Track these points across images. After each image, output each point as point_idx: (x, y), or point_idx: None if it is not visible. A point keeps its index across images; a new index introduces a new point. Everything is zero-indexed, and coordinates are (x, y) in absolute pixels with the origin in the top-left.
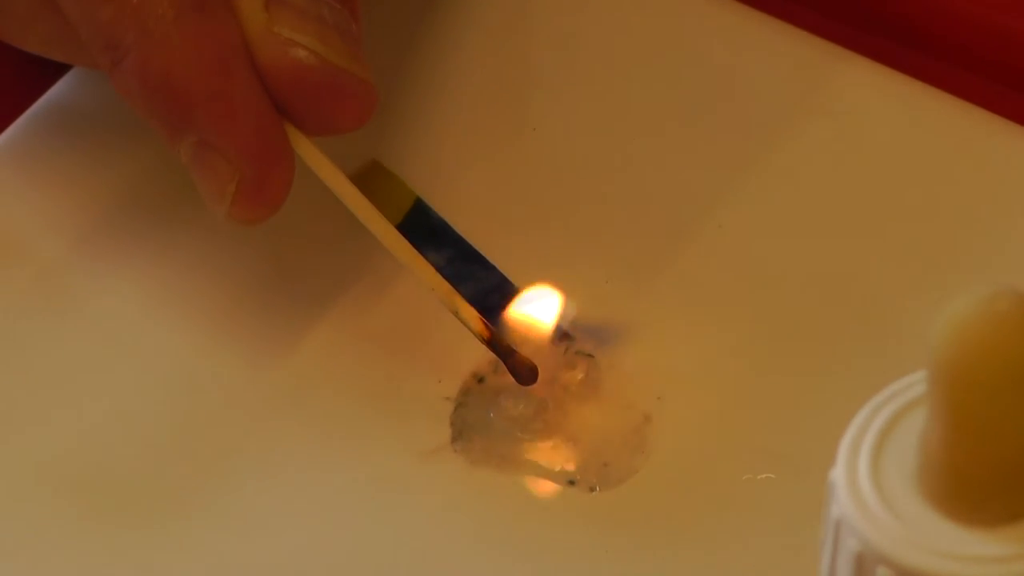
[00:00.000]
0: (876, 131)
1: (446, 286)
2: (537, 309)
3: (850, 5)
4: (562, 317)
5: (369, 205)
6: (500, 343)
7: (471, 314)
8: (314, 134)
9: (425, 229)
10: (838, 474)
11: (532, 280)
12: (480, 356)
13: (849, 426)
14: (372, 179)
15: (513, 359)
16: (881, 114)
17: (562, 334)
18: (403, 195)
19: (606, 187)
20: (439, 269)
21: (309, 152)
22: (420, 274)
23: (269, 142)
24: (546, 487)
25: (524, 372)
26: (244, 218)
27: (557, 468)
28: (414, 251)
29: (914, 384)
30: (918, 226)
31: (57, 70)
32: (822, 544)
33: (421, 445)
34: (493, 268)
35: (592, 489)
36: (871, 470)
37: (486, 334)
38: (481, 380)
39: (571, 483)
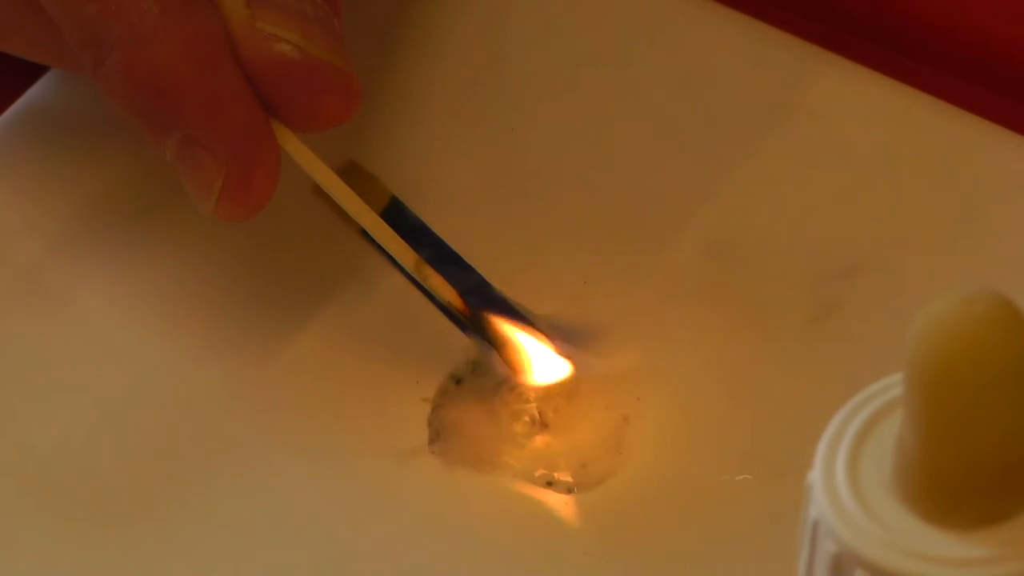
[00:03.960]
0: (856, 132)
1: (447, 288)
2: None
3: (830, 7)
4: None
5: (359, 200)
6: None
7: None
8: (300, 129)
9: (403, 229)
10: (815, 476)
11: (510, 281)
12: (458, 357)
13: (827, 428)
14: (350, 179)
15: (506, 350)
16: (861, 115)
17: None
18: (379, 194)
19: (584, 188)
20: None
21: (295, 147)
22: (403, 260)
23: (255, 137)
24: (524, 488)
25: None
26: (231, 214)
27: (535, 469)
28: (408, 247)
29: (892, 386)
30: (897, 227)
31: (35, 73)
32: (799, 546)
33: (399, 446)
34: (471, 269)
35: (570, 490)
36: (848, 472)
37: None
38: (459, 381)
39: (549, 484)
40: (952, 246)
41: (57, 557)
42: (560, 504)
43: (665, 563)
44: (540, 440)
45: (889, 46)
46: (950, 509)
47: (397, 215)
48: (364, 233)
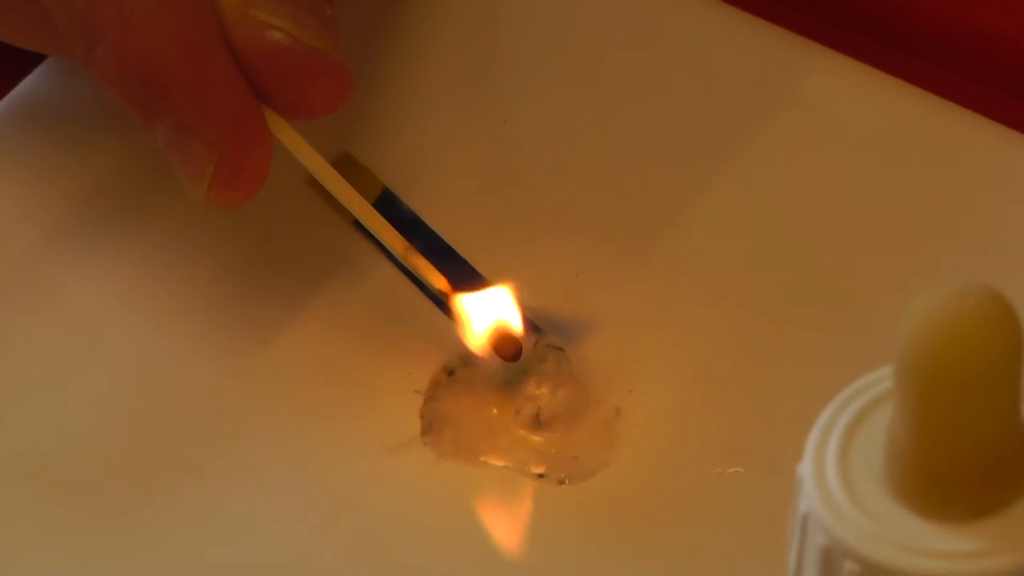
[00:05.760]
0: (848, 126)
1: (434, 274)
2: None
3: (823, 1)
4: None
5: (349, 187)
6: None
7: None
8: (291, 117)
9: (395, 222)
10: (806, 468)
11: (503, 274)
12: (450, 349)
13: (817, 421)
14: (343, 171)
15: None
16: (853, 109)
17: (532, 327)
18: (372, 185)
19: (577, 180)
20: None
21: (287, 136)
22: (392, 247)
23: (247, 124)
24: (515, 480)
25: (510, 349)
26: (222, 201)
27: (527, 461)
28: (398, 234)
29: (882, 379)
30: (888, 221)
31: (30, 63)
32: (790, 538)
33: (391, 438)
34: (464, 261)
35: (562, 482)
36: (839, 465)
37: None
38: (451, 373)
39: (541, 476)
40: (943, 240)
41: (49, 548)
42: (552, 496)
43: (657, 555)
44: (532, 432)
45: (882, 40)
46: (940, 502)
47: (389, 207)
48: (357, 224)
